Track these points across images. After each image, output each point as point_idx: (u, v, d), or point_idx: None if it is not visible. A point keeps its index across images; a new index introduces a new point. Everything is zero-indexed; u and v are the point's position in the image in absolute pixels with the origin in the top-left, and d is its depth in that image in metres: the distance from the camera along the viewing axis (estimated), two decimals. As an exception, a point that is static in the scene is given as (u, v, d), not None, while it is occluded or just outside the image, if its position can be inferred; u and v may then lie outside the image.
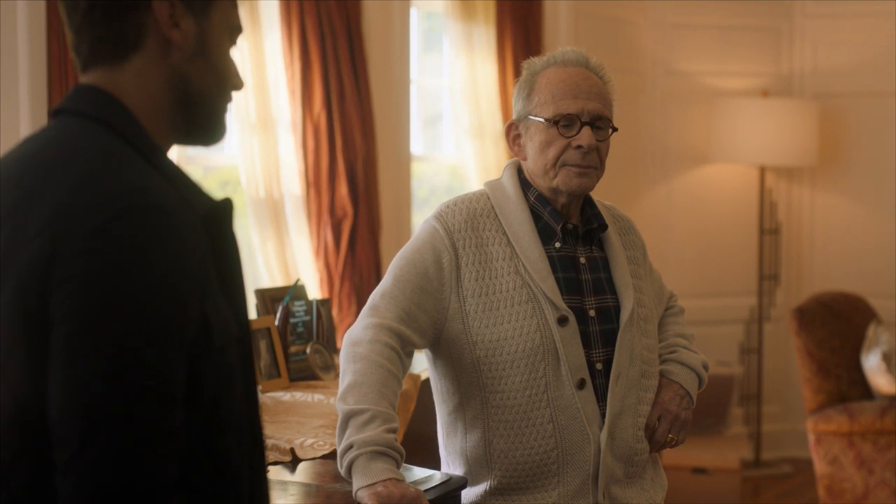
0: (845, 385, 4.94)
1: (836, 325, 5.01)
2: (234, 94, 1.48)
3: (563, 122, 2.25)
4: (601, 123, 2.27)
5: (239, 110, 3.98)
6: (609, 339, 2.28)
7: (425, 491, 2.16)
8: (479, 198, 2.32)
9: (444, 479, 2.26)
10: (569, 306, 2.25)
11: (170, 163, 1.39)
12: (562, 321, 2.23)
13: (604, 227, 2.35)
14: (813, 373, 4.91)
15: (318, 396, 3.20)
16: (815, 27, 6.06)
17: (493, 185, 2.35)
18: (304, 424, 2.83)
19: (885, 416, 4.73)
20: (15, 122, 3.34)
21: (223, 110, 1.46)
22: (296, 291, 3.54)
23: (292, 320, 3.45)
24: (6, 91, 3.33)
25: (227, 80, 1.45)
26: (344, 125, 4.25)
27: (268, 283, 4.06)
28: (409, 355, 2.27)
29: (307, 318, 3.53)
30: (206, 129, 1.45)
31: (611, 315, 2.30)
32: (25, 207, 1.29)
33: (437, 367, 2.31)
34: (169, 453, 1.25)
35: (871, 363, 4.91)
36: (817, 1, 6.08)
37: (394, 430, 2.12)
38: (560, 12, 5.43)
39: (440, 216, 2.28)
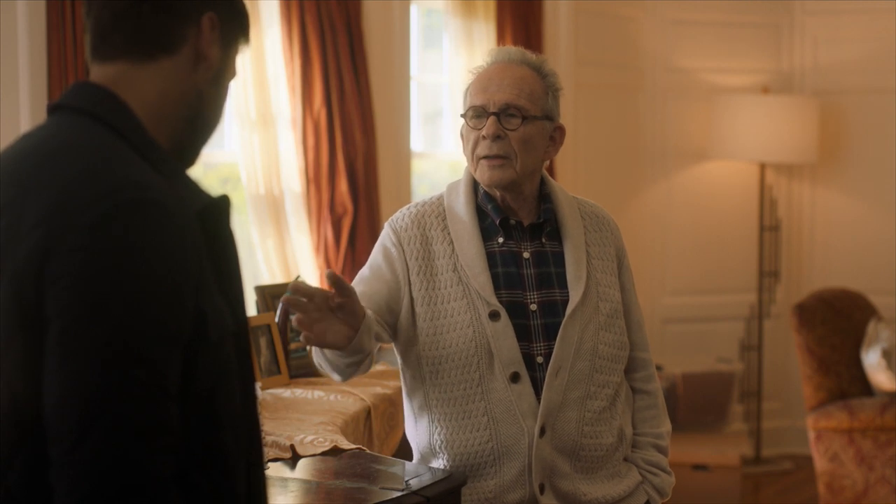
0: (845, 382, 4.95)
1: (837, 321, 5.01)
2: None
3: (471, 114, 2.32)
4: (513, 112, 2.29)
5: (239, 107, 3.98)
6: (553, 332, 2.30)
7: (424, 487, 2.18)
8: (434, 201, 2.40)
9: (444, 475, 2.26)
10: (509, 300, 2.29)
11: (167, 159, 1.39)
12: (493, 316, 2.27)
13: (549, 223, 2.36)
14: (813, 369, 4.92)
15: (318, 393, 3.21)
16: (815, 24, 6.06)
17: (451, 186, 2.42)
18: (305, 421, 2.84)
19: (886, 413, 4.73)
20: (15, 122, 3.35)
21: (208, 141, 1.49)
22: (296, 288, 3.54)
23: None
24: (6, 91, 3.34)
25: (221, 116, 1.49)
26: (344, 122, 4.25)
27: (268, 279, 4.07)
28: (385, 327, 2.35)
29: (307, 315, 3.53)
30: (192, 152, 1.48)
31: (557, 309, 2.31)
32: (21, 202, 1.30)
33: (399, 360, 2.40)
34: (164, 448, 1.25)
35: (872, 360, 4.91)
36: (817, -2, 6.08)
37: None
38: (560, 9, 5.43)
39: (392, 220, 2.40)
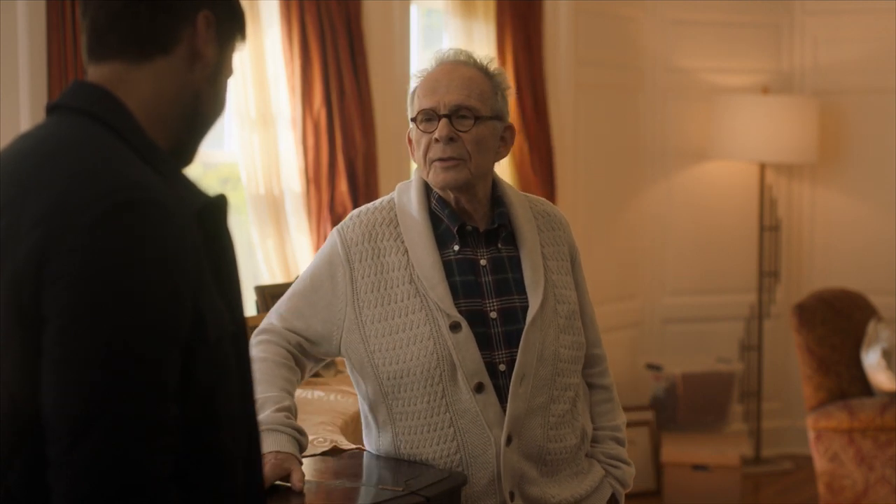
0: (845, 382, 4.95)
1: (837, 322, 5.01)
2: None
3: (421, 118, 2.27)
4: (464, 113, 2.25)
5: (239, 107, 3.98)
6: (514, 339, 2.26)
7: (424, 487, 2.18)
8: (385, 206, 2.34)
9: (444, 475, 2.26)
10: (468, 309, 2.25)
11: (166, 159, 1.39)
12: (454, 327, 2.23)
13: (504, 227, 2.33)
14: (813, 370, 4.92)
15: (317, 393, 3.21)
16: (815, 24, 6.06)
17: (402, 189, 2.36)
18: (305, 421, 2.83)
19: (885, 413, 4.73)
20: (15, 122, 3.35)
21: (204, 138, 1.49)
22: (296, 288, 3.54)
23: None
24: (6, 91, 3.34)
25: (220, 114, 1.49)
26: (344, 122, 4.25)
27: (268, 279, 4.07)
28: (311, 358, 2.36)
29: (307, 315, 3.53)
30: (189, 151, 1.48)
31: (517, 315, 2.28)
32: (21, 202, 1.30)
33: (352, 374, 2.36)
34: (163, 447, 1.25)
35: (871, 360, 4.91)
36: (817, -3, 6.09)
37: (285, 409, 2.22)
38: (560, 9, 5.43)
39: (341, 229, 2.33)
